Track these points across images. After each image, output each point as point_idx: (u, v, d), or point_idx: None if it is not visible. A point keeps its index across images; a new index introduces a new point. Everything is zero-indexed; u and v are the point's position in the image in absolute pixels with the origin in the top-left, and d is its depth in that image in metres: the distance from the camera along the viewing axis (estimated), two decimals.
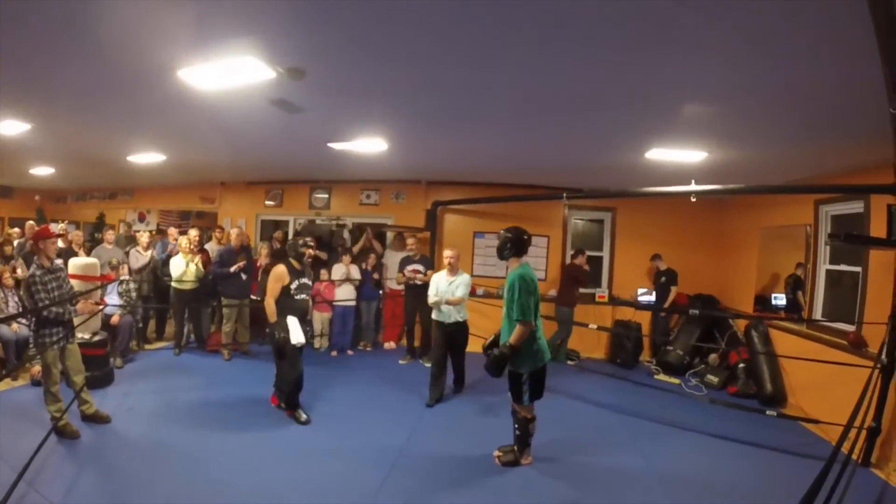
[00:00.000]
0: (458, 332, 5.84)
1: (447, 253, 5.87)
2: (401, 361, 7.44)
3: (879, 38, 2.42)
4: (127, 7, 2.71)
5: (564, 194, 6.83)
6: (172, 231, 8.52)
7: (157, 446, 4.25)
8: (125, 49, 3.25)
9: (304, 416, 4.93)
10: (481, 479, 4.01)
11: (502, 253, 4.24)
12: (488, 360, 4.02)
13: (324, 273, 7.76)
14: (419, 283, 7.20)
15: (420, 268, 7.44)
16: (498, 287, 8.54)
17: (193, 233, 7.24)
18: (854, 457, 3.73)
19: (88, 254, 7.15)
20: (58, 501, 3.31)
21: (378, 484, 3.81)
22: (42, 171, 9.11)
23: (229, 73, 3.52)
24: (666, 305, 7.86)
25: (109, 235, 7.70)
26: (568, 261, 8.51)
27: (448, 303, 5.69)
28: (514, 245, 4.17)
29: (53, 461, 3.81)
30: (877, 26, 2.33)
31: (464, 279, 5.83)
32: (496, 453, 4.30)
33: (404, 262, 7.57)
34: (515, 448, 4.24)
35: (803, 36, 2.68)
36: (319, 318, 7.79)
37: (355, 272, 7.74)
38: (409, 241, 7.72)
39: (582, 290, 7.95)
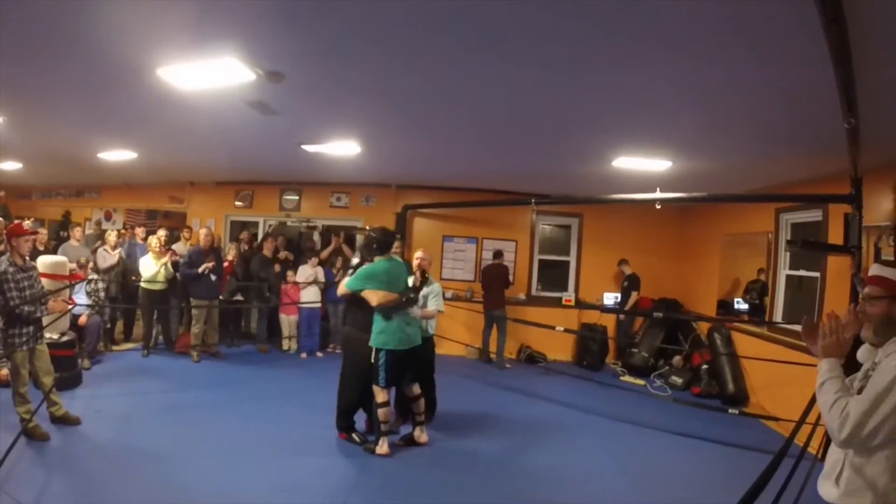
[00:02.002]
0: (424, 351, 5.00)
1: (418, 254, 5.12)
2: None
3: (834, 59, 2.55)
4: (109, 4, 2.71)
5: (533, 200, 6.99)
6: (139, 231, 8.37)
7: (126, 449, 4.20)
8: (104, 46, 3.23)
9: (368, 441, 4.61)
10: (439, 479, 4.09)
11: (370, 251, 4.60)
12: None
13: (290, 275, 7.72)
14: None
15: None
16: (466, 289, 8.67)
17: (162, 233, 7.14)
18: (812, 451, 3.91)
19: (54, 252, 6.97)
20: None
21: (345, 483, 3.90)
22: (8, 165, 8.82)
23: (209, 74, 3.53)
24: (626, 308, 8.09)
25: (77, 233, 7.53)
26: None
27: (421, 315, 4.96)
28: (380, 245, 4.53)
29: (23, 464, 3.72)
30: (831, 48, 2.45)
31: (434, 288, 5.15)
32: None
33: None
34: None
35: (760, 52, 2.82)
36: (287, 321, 7.78)
37: (321, 275, 7.74)
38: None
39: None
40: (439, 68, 3.40)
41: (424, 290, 5.09)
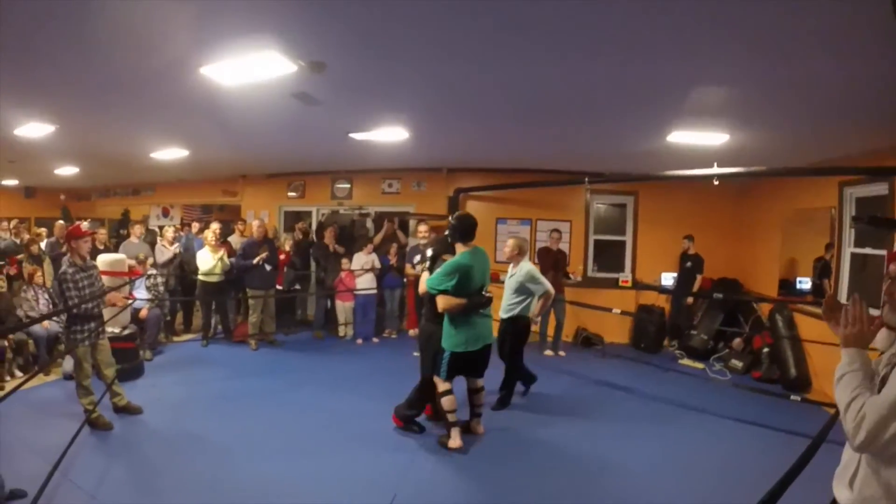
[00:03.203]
0: (510, 336, 5.27)
1: (509, 243, 5.30)
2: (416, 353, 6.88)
3: None
4: (149, 4, 2.73)
5: (586, 179, 6.77)
6: (195, 225, 8.69)
7: (185, 436, 4.39)
8: (147, 46, 3.28)
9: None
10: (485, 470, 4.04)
11: (451, 239, 4.35)
12: None
13: (345, 262, 7.82)
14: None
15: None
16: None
17: (216, 226, 7.35)
18: None
19: (116, 249, 7.32)
20: (91, 490, 3.45)
21: (404, 474, 3.87)
22: (66, 170, 9.34)
23: (251, 68, 3.55)
24: (693, 291, 7.77)
25: (136, 230, 7.87)
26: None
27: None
28: (462, 233, 4.25)
29: (86, 452, 3.95)
30: None
31: (526, 272, 5.13)
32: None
33: (413, 253, 7.19)
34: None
35: (828, 22, 2.61)
36: (342, 308, 7.88)
37: (376, 261, 7.78)
38: (421, 228, 7.31)
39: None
40: (485, 52, 3.29)
41: (518, 276, 5.13)
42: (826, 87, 3.58)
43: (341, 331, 7.98)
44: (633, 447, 4.47)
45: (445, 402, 4.25)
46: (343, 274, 7.71)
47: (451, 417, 4.25)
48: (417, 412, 4.57)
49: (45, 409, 4.73)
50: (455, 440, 4.21)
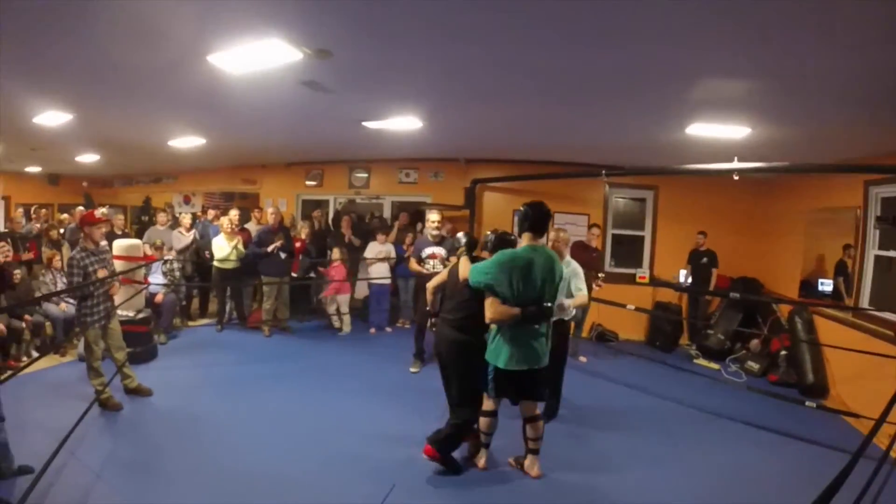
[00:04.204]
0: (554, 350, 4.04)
1: (552, 236, 4.61)
2: (411, 369, 6.03)
3: None
4: None
5: (603, 171, 6.66)
6: (211, 212, 8.78)
7: (193, 418, 4.48)
8: (154, 34, 3.29)
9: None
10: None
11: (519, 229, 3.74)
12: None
13: (335, 253, 7.79)
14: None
15: (441, 252, 5.93)
16: None
17: (234, 213, 7.42)
18: (894, 454, 3.54)
19: (139, 235, 7.44)
20: (94, 468, 3.55)
21: (405, 464, 3.86)
22: (87, 158, 9.53)
23: (257, 56, 3.54)
24: (710, 288, 7.63)
25: (161, 218, 8.01)
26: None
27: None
28: (532, 223, 3.62)
29: (94, 432, 4.05)
30: None
31: (573, 270, 4.50)
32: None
33: (421, 246, 6.13)
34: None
35: (862, 15, 2.51)
36: (336, 300, 7.80)
37: (391, 251, 7.77)
38: (432, 217, 6.16)
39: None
40: (497, 36, 3.19)
41: (564, 272, 4.05)
42: (853, 79, 3.41)
43: (335, 322, 7.84)
44: (634, 444, 4.44)
45: (484, 422, 3.78)
46: (333, 264, 7.64)
47: (484, 438, 3.83)
48: (452, 447, 3.83)
49: (59, 389, 4.85)
50: (481, 459, 3.84)
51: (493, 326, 3.58)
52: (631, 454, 4.25)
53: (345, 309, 7.76)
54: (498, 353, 3.53)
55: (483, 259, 3.73)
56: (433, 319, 4.28)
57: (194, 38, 3.33)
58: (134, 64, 3.90)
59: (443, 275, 4.16)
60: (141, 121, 6.10)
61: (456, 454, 3.84)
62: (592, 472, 3.95)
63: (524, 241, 3.61)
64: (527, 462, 3.82)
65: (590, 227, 7.42)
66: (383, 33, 3.21)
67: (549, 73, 3.85)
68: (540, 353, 3.58)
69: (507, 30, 3.07)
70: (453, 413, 3.82)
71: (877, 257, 5.61)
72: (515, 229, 4.08)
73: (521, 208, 3.69)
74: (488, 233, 4.06)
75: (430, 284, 4.25)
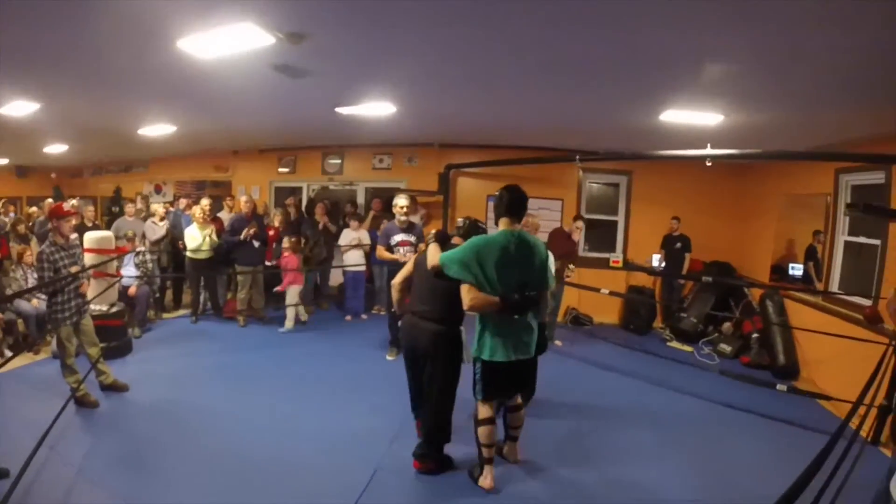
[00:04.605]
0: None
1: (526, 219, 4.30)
2: (388, 357, 5.96)
3: None
4: None
5: (577, 157, 6.70)
6: (182, 201, 8.59)
7: (172, 410, 4.45)
8: (123, 20, 3.19)
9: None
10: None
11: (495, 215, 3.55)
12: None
13: (286, 242, 7.53)
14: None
15: (410, 238, 5.71)
16: None
17: (206, 202, 7.27)
18: (864, 434, 3.69)
19: (108, 227, 7.26)
20: (76, 463, 3.52)
21: (388, 450, 3.92)
22: (55, 148, 9.22)
23: (228, 41, 3.45)
24: (683, 272, 7.80)
25: (130, 209, 7.79)
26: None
27: None
28: (507, 207, 3.45)
29: (73, 429, 4.00)
30: None
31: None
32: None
33: (390, 232, 5.76)
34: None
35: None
36: (293, 291, 7.26)
37: (365, 237, 7.72)
38: (399, 202, 5.77)
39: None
40: (472, 16, 3.14)
41: None
42: (826, 65, 3.47)
43: (289, 314, 7.16)
44: (613, 426, 4.54)
45: (482, 432, 3.50)
46: (285, 254, 7.22)
47: (485, 453, 3.51)
48: (440, 447, 3.71)
49: (35, 387, 4.75)
50: (487, 479, 3.49)
51: (478, 320, 3.43)
52: (605, 435, 4.35)
53: (294, 300, 7.17)
54: (483, 345, 3.39)
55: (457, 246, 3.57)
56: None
57: (163, 23, 3.23)
58: (101, 51, 3.79)
59: (408, 267, 3.85)
60: (110, 109, 5.91)
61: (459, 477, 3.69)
62: (567, 453, 4.03)
63: (501, 226, 3.43)
64: (506, 448, 3.82)
65: (575, 218, 7.26)
66: (358, 14, 3.15)
67: (524, 58, 3.85)
68: (528, 344, 3.46)
69: (484, 14, 3.04)
70: (431, 408, 3.65)
71: (846, 243, 5.78)
72: (491, 215, 3.95)
73: (497, 193, 3.51)
74: (460, 220, 3.92)
75: (396, 281, 3.89)
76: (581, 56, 3.77)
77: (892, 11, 2.43)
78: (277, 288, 7.22)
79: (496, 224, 3.50)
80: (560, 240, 6.83)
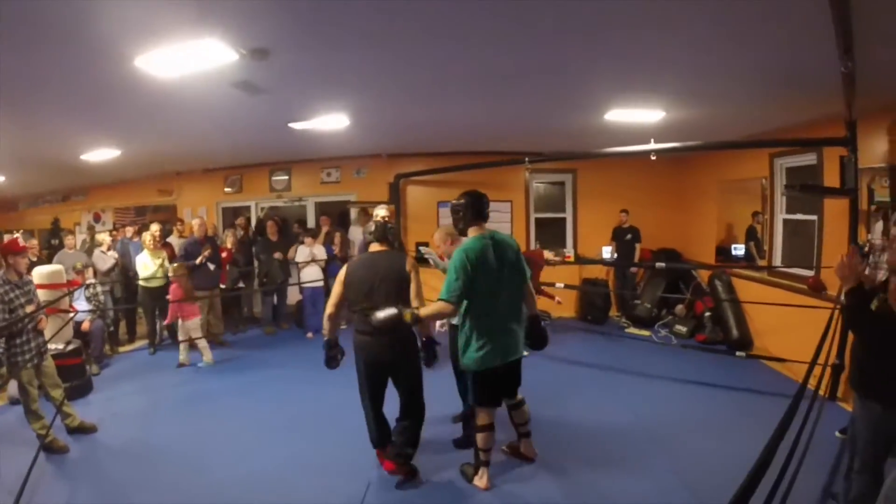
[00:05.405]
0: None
1: (435, 237, 4.37)
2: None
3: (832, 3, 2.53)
4: None
5: (527, 159, 6.88)
6: (128, 229, 8.26)
7: (147, 447, 4.26)
8: (77, 38, 3.10)
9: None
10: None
11: (457, 224, 3.59)
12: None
13: (279, 254, 7.71)
14: None
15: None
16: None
17: (156, 227, 7.01)
18: (821, 392, 3.97)
19: (49, 261, 6.89)
20: None
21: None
22: None
23: (189, 58, 3.41)
24: (635, 261, 8.14)
25: (70, 241, 7.41)
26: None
27: None
28: (465, 210, 3.49)
29: (46, 479, 3.75)
30: None
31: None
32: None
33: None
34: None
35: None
36: (190, 326, 6.50)
37: (320, 252, 7.66)
38: (379, 213, 4.95)
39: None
40: (423, 31, 3.29)
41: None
42: (759, 60, 3.76)
43: (181, 352, 6.45)
44: (590, 414, 4.72)
45: (482, 438, 3.55)
46: (173, 285, 6.55)
47: (483, 456, 3.57)
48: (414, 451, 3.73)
49: None
50: (483, 479, 3.56)
51: (462, 329, 3.43)
52: (592, 423, 4.51)
53: (196, 334, 6.51)
54: (470, 356, 3.39)
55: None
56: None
57: (119, 40, 3.15)
58: (49, 71, 3.64)
59: (338, 288, 3.57)
60: (54, 134, 5.67)
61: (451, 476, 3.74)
62: (561, 440, 4.17)
63: (472, 233, 3.45)
64: (522, 446, 3.89)
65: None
66: (320, 30, 3.20)
67: (472, 66, 3.99)
68: (514, 346, 3.50)
69: (433, 24, 3.16)
70: (410, 406, 3.64)
71: (785, 220, 6.22)
72: (443, 221, 3.97)
73: (456, 202, 3.52)
74: (371, 224, 3.85)
75: (329, 311, 3.63)
76: (520, 66, 3.98)
77: (816, 5, 2.66)
78: (165, 321, 6.77)
79: (463, 234, 3.55)
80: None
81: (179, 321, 6.42)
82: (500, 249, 3.41)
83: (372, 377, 3.60)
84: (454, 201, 3.56)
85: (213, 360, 6.40)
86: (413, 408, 3.66)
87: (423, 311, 3.27)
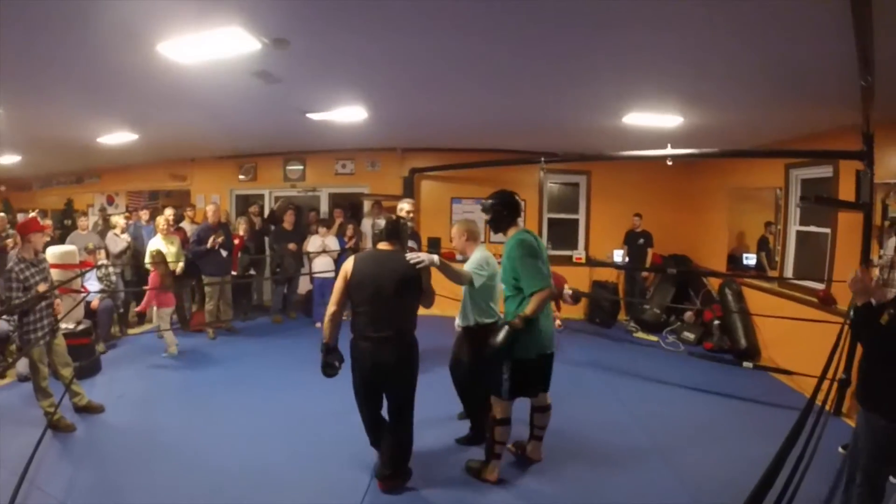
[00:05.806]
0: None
1: (454, 230, 4.07)
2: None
3: (854, 14, 2.50)
4: None
5: (542, 159, 6.86)
6: (143, 213, 8.33)
7: (151, 431, 4.27)
8: (100, 22, 3.12)
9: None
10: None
11: (499, 225, 3.62)
12: (493, 339, 3.27)
13: (293, 246, 7.69)
14: None
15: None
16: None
17: (170, 212, 7.07)
18: (826, 407, 3.94)
19: (61, 241, 6.96)
20: (61, 497, 3.32)
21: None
22: (7, 159, 8.79)
23: (212, 46, 3.43)
24: (647, 266, 8.12)
25: (83, 222, 7.48)
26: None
27: None
28: (507, 209, 3.59)
29: (51, 457, 3.78)
30: (853, 3, 2.41)
31: (475, 257, 3.85)
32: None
33: None
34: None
35: (779, 6, 2.75)
36: (163, 314, 6.41)
37: (332, 243, 7.69)
38: (404, 207, 5.26)
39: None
40: (446, 23, 3.28)
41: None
42: (777, 68, 3.75)
43: (168, 340, 6.28)
44: (594, 416, 4.70)
45: (499, 432, 3.53)
46: (152, 273, 6.36)
47: (497, 449, 3.57)
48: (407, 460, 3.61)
49: (3, 414, 4.45)
50: (494, 472, 3.57)
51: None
52: (593, 425, 4.51)
53: (166, 325, 6.32)
54: (518, 347, 3.33)
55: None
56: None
57: (143, 26, 3.18)
58: (76, 56, 3.70)
59: (340, 283, 3.37)
60: (73, 117, 5.75)
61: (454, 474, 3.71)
62: (564, 444, 4.13)
63: (512, 232, 3.52)
64: (530, 447, 3.87)
65: None
66: (342, 21, 3.21)
67: (490, 62, 3.98)
68: (550, 337, 3.52)
69: (456, 16, 3.14)
70: (398, 425, 3.47)
71: (798, 232, 6.15)
72: (455, 216, 3.98)
73: (494, 201, 3.58)
74: (381, 220, 3.57)
75: (332, 309, 3.40)
76: (547, 62, 3.94)
77: (836, 19, 2.65)
78: (138, 308, 6.77)
79: (505, 234, 3.57)
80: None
81: (154, 308, 6.40)
82: (539, 244, 3.51)
83: (370, 384, 3.41)
84: (489, 200, 3.63)
85: (176, 352, 6.21)
86: (400, 425, 3.47)
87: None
